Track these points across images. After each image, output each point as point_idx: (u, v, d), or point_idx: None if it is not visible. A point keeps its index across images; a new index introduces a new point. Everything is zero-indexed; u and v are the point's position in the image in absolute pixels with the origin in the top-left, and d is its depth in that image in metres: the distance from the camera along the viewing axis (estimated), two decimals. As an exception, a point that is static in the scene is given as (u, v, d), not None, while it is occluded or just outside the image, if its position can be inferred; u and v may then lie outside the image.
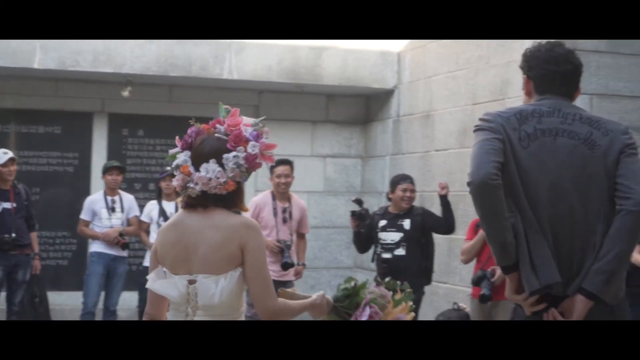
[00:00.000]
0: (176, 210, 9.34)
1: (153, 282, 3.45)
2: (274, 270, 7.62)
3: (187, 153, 3.39)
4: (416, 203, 8.37)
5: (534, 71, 3.62)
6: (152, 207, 9.51)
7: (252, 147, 3.35)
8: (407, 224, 7.87)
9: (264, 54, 10.61)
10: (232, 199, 3.38)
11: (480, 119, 3.51)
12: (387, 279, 3.90)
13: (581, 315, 3.35)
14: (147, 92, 10.94)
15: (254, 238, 3.34)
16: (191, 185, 3.34)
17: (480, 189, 3.31)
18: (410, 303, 3.82)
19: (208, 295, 3.29)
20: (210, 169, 3.32)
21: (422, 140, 10.43)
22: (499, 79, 9.00)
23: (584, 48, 8.06)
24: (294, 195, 8.35)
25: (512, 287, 3.45)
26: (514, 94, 8.71)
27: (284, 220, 8.07)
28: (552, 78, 3.59)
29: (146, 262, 9.45)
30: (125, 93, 10.57)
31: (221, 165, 3.33)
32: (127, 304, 10.02)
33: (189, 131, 3.47)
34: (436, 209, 9.48)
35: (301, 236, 8.37)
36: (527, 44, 8.96)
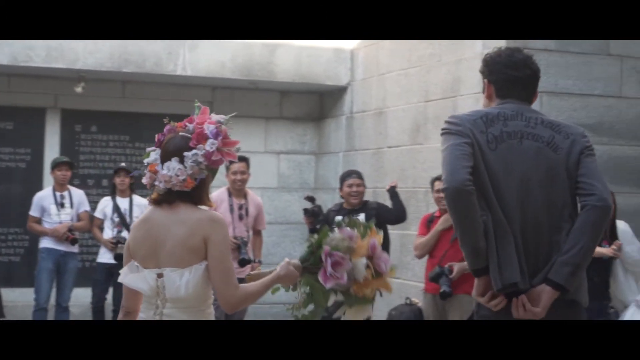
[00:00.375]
0: (130, 206, 9.34)
1: (124, 276, 3.54)
2: None
3: (158, 151, 3.49)
4: (369, 199, 8.43)
5: (494, 76, 3.72)
6: (105, 203, 9.49)
7: (210, 145, 3.43)
8: (362, 218, 7.89)
9: (217, 50, 10.64)
10: (196, 195, 3.48)
11: (448, 122, 3.59)
12: (346, 219, 3.90)
13: (547, 304, 3.46)
14: (100, 88, 10.91)
15: (218, 231, 3.43)
16: (156, 183, 3.45)
17: (455, 195, 3.40)
18: (374, 226, 3.85)
19: (174, 288, 3.39)
20: (171, 167, 3.41)
21: (375, 137, 10.51)
22: (451, 76, 9.10)
23: (533, 47, 8.18)
24: (250, 192, 8.35)
25: (480, 289, 3.55)
26: (466, 92, 8.83)
27: (240, 217, 8.06)
28: (512, 83, 3.70)
29: (100, 259, 9.43)
30: (79, 89, 10.54)
31: (182, 163, 3.42)
32: (80, 301, 9.99)
33: (164, 129, 3.55)
34: (388, 205, 9.59)
35: (257, 233, 8.36)
36: (478, 43, 9.11)
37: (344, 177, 8.14)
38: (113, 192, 9.53)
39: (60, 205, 9.39)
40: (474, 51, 8.73)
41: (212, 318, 3.55)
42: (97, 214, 9.50)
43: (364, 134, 10.74)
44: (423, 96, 9.59)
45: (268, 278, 3.57)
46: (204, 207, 3.52)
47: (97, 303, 9.32)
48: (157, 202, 3.50)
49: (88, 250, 10.74)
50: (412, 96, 9.80)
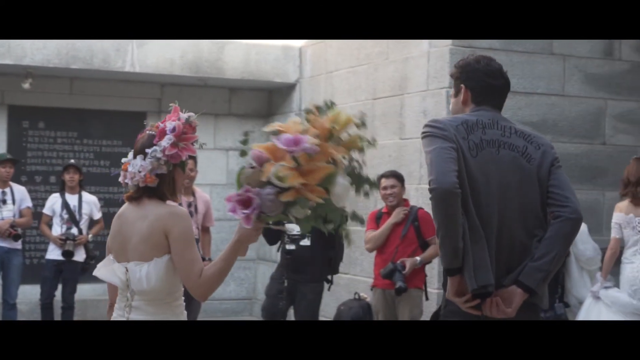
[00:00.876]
0: (79, 203, 9.33)
1: (98, 269, 3.68)
2: None
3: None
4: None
5: (473, 82, 3.86)
6: (54, 200, 9.45)
7: (167, 140, 3.53)
8: (304, 216, 7.85)
9: (166, 47, 10.65)
10: (160, 191, 3.58)
11: (431, 126, 3.70)
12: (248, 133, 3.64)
13: (518, 305, 3.64)
14: (48, 84, 10.88)
15: (178, 224, 3.51)
16: (126, 180, 3.59)
17: (444, 196, 3.51)
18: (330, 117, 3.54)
19: (136, 281, 3.51)
20: (135, 164, 3.54)
21: (323, 134, 10.59)
22: (398, 74, 9.22)
23: (478, 46, 8.34)
24: (198, 189, 8.28)
25: (454, 289, 3.66)
26: (413, 90, 8.96)
27: (190, 215, 8.00)
28: (489, 90, 3.86)
29: (48, 255, 9.38)
30: (26, 85, 10.49)
31: (145, 159, 3.54)
32: (27, 298, 9.96)
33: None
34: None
35: (206, 230, 8.28)
36: (425, 42, 9.20)
37: None
38: (62, 188, 9.49)
39: (2, 201, 9.34)
40: (421, 50, 8.86)
41: (182, 310, 3.64)
42: (46, 210, 9.46)
43: (313, 131, 10.81)
44: (371, 94, 9.70)
45: (226, 250, 3.51)
46: (170, 203, 3.60)
47: (46, 300, 9.28)
48: (128, 199, 3.64)
49: (36, 247, 10.70)
50: (360, 93, 9.91)
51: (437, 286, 8.44)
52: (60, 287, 9.36)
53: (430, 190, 3.55)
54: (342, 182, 3.36)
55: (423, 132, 3.72)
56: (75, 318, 9.36)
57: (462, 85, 3.88)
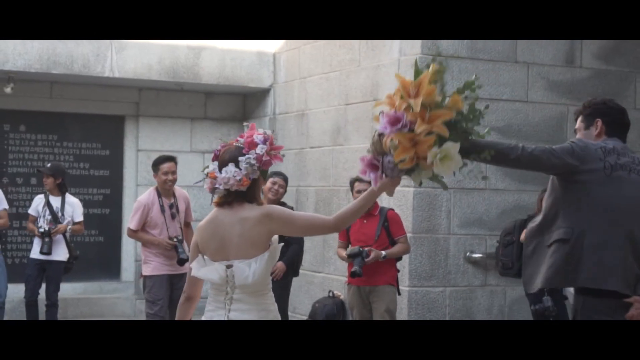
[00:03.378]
0: (62, 204, 9.53)
1: (197, 270, 4.18)
2: (170, 265, 7.97)
3: (216, 163, 4.17)
4: (292, 197, 8.68)
5: (608, 117, 4.58)
6: (39, 201, 9.62)
7: (261, 149, 4.09)
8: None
9: (144, 53, 10.92)
10: (250, 194, 4.14)
11: (576, 143, 4.37)
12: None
13: None
14: (29, 88, 11.12)
15: (276, 218, 4.10)
16: (217, 186, 4.11)
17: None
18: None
19: (243, 277, 4.05)
20: (229, 170, 4.08)
21: (297, 138, 10.89)
22: (370, 81, 9.53)
23: (446, 54, 8.68)
24: (176, 187, 8.43)
25: None
26: (384, 96, 9.23)
27: (173, 216, 8.19)
28: (622, 126, 4.62)
29: (32, 254, 9.55)
30: (8, 89, 10.72)
31: (238, 166, 4.08)
32: (10, 296, 10.11)
33: (219, 146, 4.23)
34: (310, 203, 10.00)
35: (187, 225, 8.44)
36: (395, 50, 9.49)
37: (271, 174, 8.32)
38: (46, 190, 9.67)
39: None
40: (391, 57, 9.18)
41: (273, 301, 4.18)
42: (31, 211, 9.60)
43: (287, 134, 11.11)
44: (343, 99, 10.00)
45: (365, 194, 4.06)
46: (256, 205, 4.12)
47: (30, 297, 9.44)
48: (219, 204, 4.17)
49: (18, 246, 10.92)
50: (332, 99, 10.20)
51: (407, 284, 8.76)
52: (44, 285, 9.53)
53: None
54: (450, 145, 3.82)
55: (569, 142, 4.41)
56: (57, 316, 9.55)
57: (599, 120, 4.55)
